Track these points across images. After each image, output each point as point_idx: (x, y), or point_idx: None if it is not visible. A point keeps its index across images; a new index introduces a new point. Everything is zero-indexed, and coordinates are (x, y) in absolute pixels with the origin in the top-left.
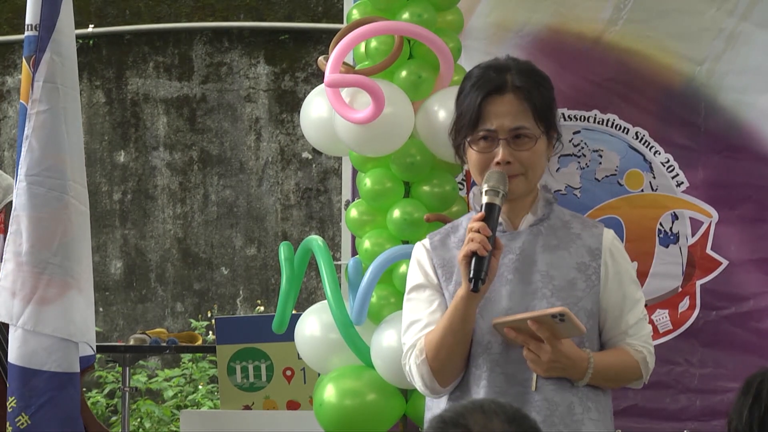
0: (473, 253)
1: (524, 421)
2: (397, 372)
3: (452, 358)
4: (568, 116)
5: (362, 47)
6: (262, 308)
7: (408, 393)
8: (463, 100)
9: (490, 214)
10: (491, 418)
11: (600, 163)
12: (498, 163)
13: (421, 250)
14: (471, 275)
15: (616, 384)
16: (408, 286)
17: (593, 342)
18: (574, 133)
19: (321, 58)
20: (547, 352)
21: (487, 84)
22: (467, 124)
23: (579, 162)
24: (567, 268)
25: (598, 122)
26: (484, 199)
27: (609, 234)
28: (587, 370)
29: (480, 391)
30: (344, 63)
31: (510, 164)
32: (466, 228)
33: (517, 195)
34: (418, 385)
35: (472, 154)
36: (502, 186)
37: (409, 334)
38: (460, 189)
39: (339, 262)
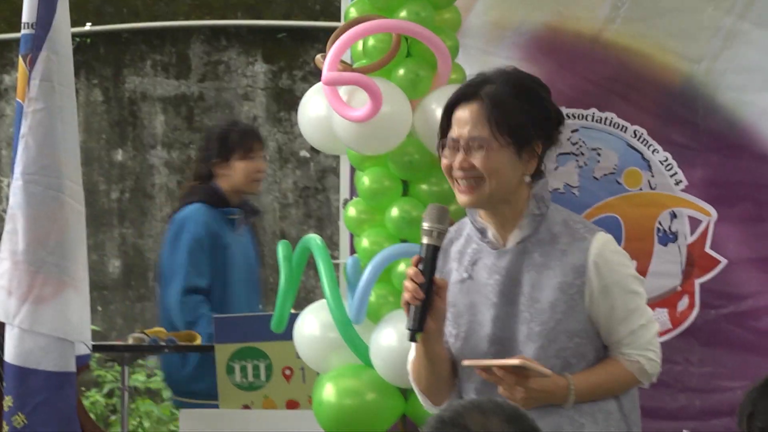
0: (408, 304)
1: (523, 420)
2: (396, 371)
3: (432, 384)
4: (567, 115)
5: (360, 45)
6: (260, 307)
7: (407, 392)
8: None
9: (425, 257)
10: (489, 417)
11: (598, 161)
12: (459, 168)
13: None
14: (407, 326)
15: (613, 394)
16: None
17: (589, 354)
18: (572, 132)
19: (319, 56)
20: (520, 391)
21: (456, 94)
22: (441, 131)
23: (577, 160)
24: (550, 288)
25: (597, 120)
26: (423, 240)
27: (596, 245)
28: (568, 396)
29: None
30: (342, 61)
31: (467, 170)
32: (465, 237)
33: (485, 203)
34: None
35: (442, 161)
36: (437, 224)
37: (412, 348)
38: None
39: (337, 261)
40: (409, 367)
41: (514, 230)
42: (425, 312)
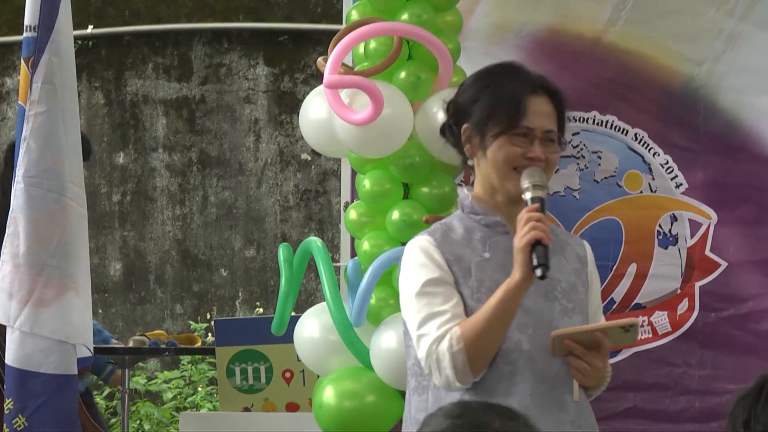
0: (537, 242)
1: (532, 426)
2: (396, 374)
3: (492, 347)
4: (568, 117)
5: (361, 48)
6: (261, 310)
7: None
8: (492, 95)
9: (543, 207)
10: (514, 419)
11: (599, 164)
12: (530, 159)
13: (428, 245)
14: (537, 262)
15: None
16: (419, 280)
17: None
18: (573, 135)
19: (320, 59)
20: (600, 360)
21: (527, 82)
22: (507, 120)
23: (578, 163)
24: (567, 272)
25: (598, 123)
26: (537, 193)
27: (587, 244)
28: (606, 381)
29: (513, 387)
30: (343, 64)
31: (540, 162)
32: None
33: None
34: (446, 374)
35: (504, 147)
36: (539, 180)
37: (432, 325)
38: None
39: (338, 264)
40: (455, 334)
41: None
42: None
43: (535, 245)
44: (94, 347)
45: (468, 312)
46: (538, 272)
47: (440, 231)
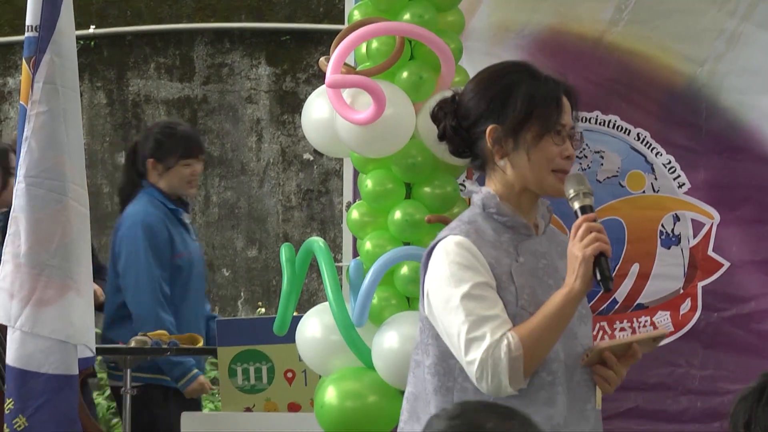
0: (601, 254)
1: (534, 426)
2: (398, 374)
3: (544, 356)
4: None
5: (363, 48)
6: (263, 310)
7: None
8: (526, 92)
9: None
10: (506, 420)
11: (601, 164)
12: (567, 158)
13: (471, 245)
14: (603, 275)
15: None
16: (467, 281)
17: None
18: None
19: (322, 58)
20: (624, 371)
21: (558, 81)
22: (548, 117)
23: (581, 163)
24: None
25: (600, 123)
26: (579, 203)
27: None
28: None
29: (555, 396)
30: (345, 64)
31: (571, 160)
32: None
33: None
34: (500, 378)
35: (546, 147)
36: (583, 186)
37: (485, 329)
38: (462, 190)
39: (340, 264)
40: (513, 341)
41: (537, 219)
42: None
43: (599, 257)
44: (97, 347)
45: (511, 318)
46: (606, 285)
47: (473, 232)
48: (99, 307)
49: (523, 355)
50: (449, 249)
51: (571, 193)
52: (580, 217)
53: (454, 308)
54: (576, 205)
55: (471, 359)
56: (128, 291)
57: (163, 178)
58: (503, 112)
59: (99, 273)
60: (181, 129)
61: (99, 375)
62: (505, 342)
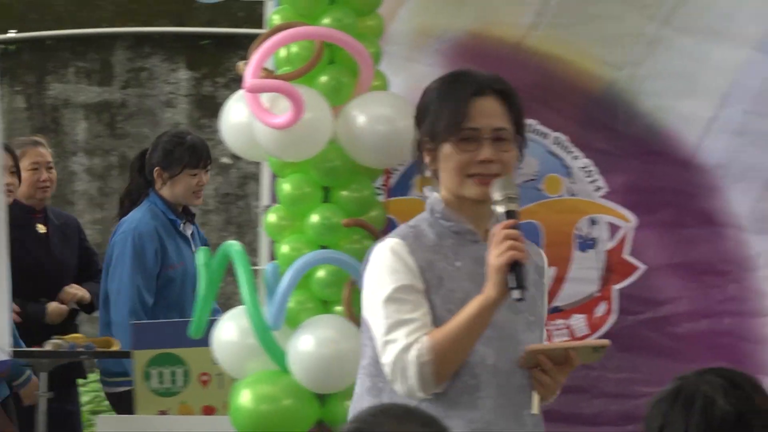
0: (515, 262)
1: (437, 425)
2: (313, 377)
3: (459, 360)
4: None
5: (283, 52)
6: None
7: (323, 398)
8: (438, 102)
9: (516, 222)
10: (405, 423)
11: (519, 167)
12: (481, 162)
13: (401, 249)
14: (515, 284)
15: None
16: (390, 285)
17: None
18: None
19: (241, 63)
20: (562, 377)
21: (469, 85)
22: (448, 124)
23: None
24: (529, 285)
25: None
26: (503, 208)
27: (544, 254)
28: (557, 393)
29: (476, 401)
30: (264, 68)
31: (492, 164)
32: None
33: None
34: (410, 383)
35: (453, 155)
36: (511, 191)
37: (400, 332)
38: (379, 194)
39: (257, 267)
40: (425, 344)
41: (489, 225)
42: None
43: (513, 266)
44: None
45: (437, 321)
46: (516, 294)
47: (412, 235)
48: (87, 309)
49: (432, 361)
50: (381, 252)
51: (495, 197)
52: (498, 224)
53: (376, 310)
54: (499, 210)
55: (384, 362)
56: (111, 296)
57: (169, 188)
58: (424, 123)
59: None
60: (189, 138)
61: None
62: (416, 346)
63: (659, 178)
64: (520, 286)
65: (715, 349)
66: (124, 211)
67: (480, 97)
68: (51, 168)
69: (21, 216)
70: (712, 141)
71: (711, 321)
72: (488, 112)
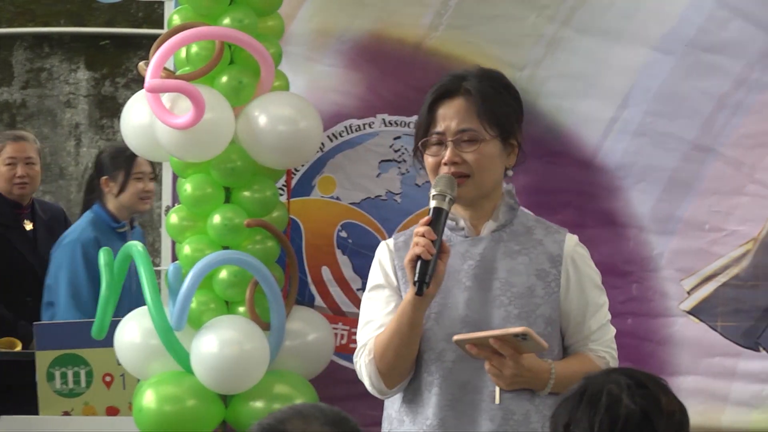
0: (418, 257)
1: (344, 423)
2: (216, 378)
3: (398, 360)
4: (389, 122)
5: (183, 53)
6: None
7: (227, 399)
8: (421, 111)
9: (436, 219)
10: (310, 421)
11: (420, 168)
12: (445, 164)
13: (384, 250)
14: (415, 279)
15: None
16: (368, 285)
17: (554, 347)
18: (394, 139)
19: (141, 63)
20: (510, 367)
21: (438, 89)
22: (420, 130)
23: (399, 167)
24: (527, 274)
25: None
26: (432, 203)
27: (572, 240)
28: (549, 381)
29: (432, 397)
30: (165, 68)
31: (457, 165)
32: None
33: (468, 199)
34: (366, 383)
35: (426, 159)
36: (449, 190)
37: (363, 333)
38: (281, 194)
39: (159, 268)
40: (371, 345)
41: (488, 221)
42: (433, 269)
43: (418, 261)
44: None
45: None
46: (418, 288)
47: (407, 235)
48: None
49: (373, 360)
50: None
51: (431, 192)
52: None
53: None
54: (431, 204)
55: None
56: (60, 305)
57: (115, 197)
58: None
59: None
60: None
61: None
62: (368, 346)
63: (560, 179)
64: (420, 281)
65: (618, 350)
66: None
67: (447, 100)
68: (32, 164)
69: (8, 212)
70: (613, 142)
71: (613, 321)
72: (451, 115)
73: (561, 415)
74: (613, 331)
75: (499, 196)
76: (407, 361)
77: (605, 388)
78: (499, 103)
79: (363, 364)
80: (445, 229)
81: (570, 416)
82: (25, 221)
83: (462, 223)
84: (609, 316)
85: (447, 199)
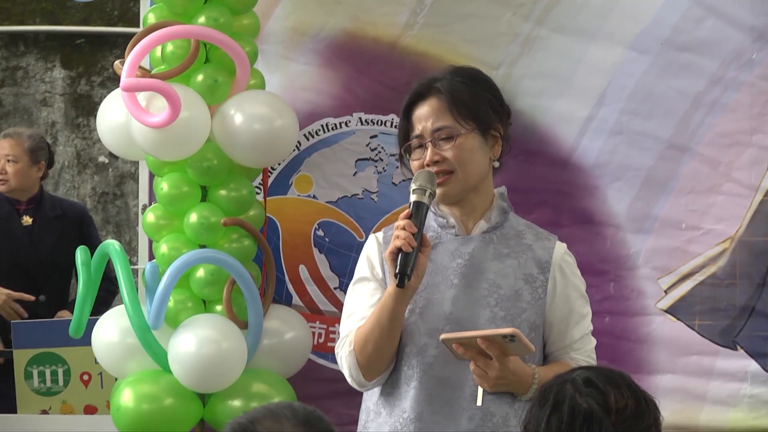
0: (399, 250)
1: (318, 423)
2: (194, 376)
3: (378, 353)
4: (366, 121)
5: (158, 51)
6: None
7: (205, 397)
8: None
9: (416, 212)
10: (282, 421)
11: (397, 167)
12: (427, 165)
13: (373, 243)
14: (396, 271)
15: None
16: (354, 277)
17: (536, 354)
18: (371, 138)
19: (117, 62)
20: (495, 368)
21: (412, 94)
22: (401, 137)
23: (376, 166)
24: (515, 278)
25: (395, 126)
26: (412, 198)
27: (561, 248)
28: (532, 386)
29: (410, 391)
30: (140, 67)
31: (439, 163)
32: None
33: (456, 195)
34: (346, 375)
35: (412, 163)
36: (429, 185)
37: (346, 324)
38: (257, 193)
39: (136, 267)
40: (352, 337)
41: (480, 221)
42: (414, 261)
43: (399, 253)
44: None
45: None
46: (399, 281)
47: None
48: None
49: (352, 352)
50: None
51: (411, 186)
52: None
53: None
54: (411, 199)
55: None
56: None
57: None
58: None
59: None
60: None
61: None
62: (349, 338)
63: (536, 177)
64: (400, 273)
65: (596, 348)
66: None
67: (420, 102)
68: (13, 161)
69: (5, 208)
70: (589, 140)
71: (591, 320)
72: (426, 116)
73: (525, 418)
74: (593, 342)
75: (488, 190)
76: (387, 353)
77: (558, 387)
78: (470, 96)
79: (343, 356)
80: (436, 227)
81: (528, 415)
82: (25, 217)
83: (452, 220)
84: (591, 327)
85: (427, 193)
